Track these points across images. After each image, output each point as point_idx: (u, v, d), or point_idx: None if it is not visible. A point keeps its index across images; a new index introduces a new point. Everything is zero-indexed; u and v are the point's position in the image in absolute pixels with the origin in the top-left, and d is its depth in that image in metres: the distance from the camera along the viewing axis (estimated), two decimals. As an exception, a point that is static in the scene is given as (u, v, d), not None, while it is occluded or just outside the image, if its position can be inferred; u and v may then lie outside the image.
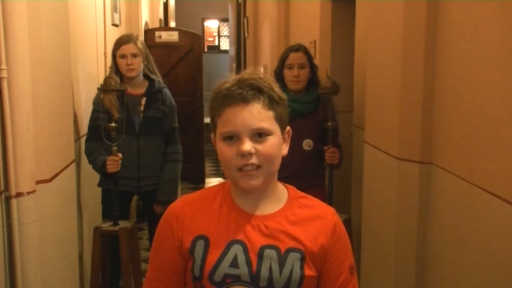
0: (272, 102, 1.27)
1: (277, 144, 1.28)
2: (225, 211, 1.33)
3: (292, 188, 1.40)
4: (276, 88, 1.31)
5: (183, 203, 1.38)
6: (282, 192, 1.37)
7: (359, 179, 3.28)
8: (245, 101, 1.25)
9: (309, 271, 1.28)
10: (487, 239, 1.95)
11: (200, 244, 1.29)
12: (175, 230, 1.33)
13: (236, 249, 1.27)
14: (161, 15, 9.29)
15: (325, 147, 3.07)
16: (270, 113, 1.27)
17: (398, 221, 2.59)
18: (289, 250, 1.28)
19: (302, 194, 1.39)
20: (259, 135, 1.26)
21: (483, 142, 1.98)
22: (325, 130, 3.07)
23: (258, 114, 1.25)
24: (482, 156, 1.99)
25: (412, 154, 2.48)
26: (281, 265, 1.26)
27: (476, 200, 2.01)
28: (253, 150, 1.25)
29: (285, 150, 1.33)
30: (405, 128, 2.51)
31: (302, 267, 1.27)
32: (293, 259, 1.27)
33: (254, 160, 1.25)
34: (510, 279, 1.80)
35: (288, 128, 1.34)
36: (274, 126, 1.28)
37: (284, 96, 1.32)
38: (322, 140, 3.12)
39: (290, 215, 1.32)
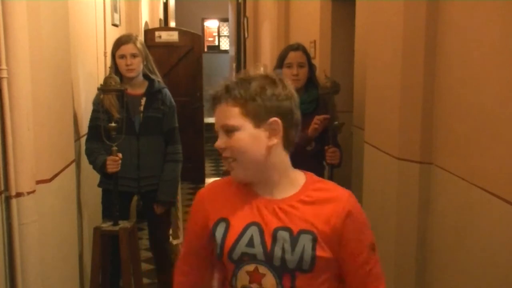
0: (237, 99, 1.36)
1: (245, 138, 1.36)
2: (243, 196, 1.44)
3: (311, 174, 1.47)
4: (256, 83, 1.37)
5: (209, 188, 1.56)
6: (299, 178, 1.45)
7: (359, 179, 3.28)
8: (218, 100, 1.40)
9: (322, 252, 1.36)
10: (487, 239, 1.95)
11: (222, 225, 1.43)
12: (201, 212, 1.49)
13: (253, 230, 1.39)
14: (161, 15, 9.29)
15: (326, 147, 3.06)
16: (236, 110, 1.36)
17: (398, 221, 2.59)
18: (301, 231, 1.36)
19: (320, 179, 1.47)
20: (227, 131, 1.38)
21: (483, 142, 1.98)
22: (332, 129, 3.05)
23: (224, 112, 1.38)
24: (482, 156, 1.99)
25: (412, 154, 2.48)
26: (293, 245, 1.35)
27: (476, 200, 2.01)
28: (222, 146, 1.39)
29: (273, 140, 1.38)
30: (405, 128, 2.51)
31: (314, 248, 1.35)
32: (305, 240, 1.35)
33: (227, 153, 1.39)
34: (510, 279, 1.80)
35: (272, 119, 1.37)
36: (240, 121, 1.36)
37: (264, 89, 1.36)
38: (322, 140, 3.12)
39: (304, 197, 1.40)
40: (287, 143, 1.42)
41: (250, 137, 1.37)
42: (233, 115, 1.36)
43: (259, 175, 1.41)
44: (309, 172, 1.48)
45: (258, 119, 1.36)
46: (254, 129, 1.37)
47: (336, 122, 3.02)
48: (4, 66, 2.14)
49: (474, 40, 2.05)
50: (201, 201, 1.52)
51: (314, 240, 1.35)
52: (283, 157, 1.42)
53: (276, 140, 1.38)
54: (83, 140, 3.33)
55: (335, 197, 1.40)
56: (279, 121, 1.37)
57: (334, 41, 4.31)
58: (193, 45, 7.05)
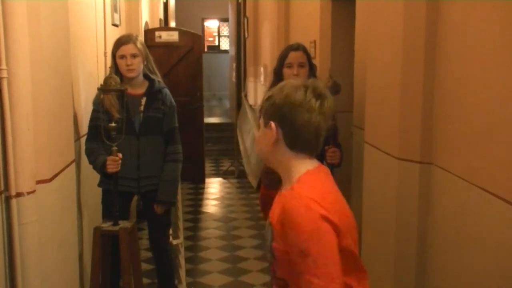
0: (262, 104, 1.63)
1: (260, 135, 1.65)
2: None
3: (308, 172, 1.58)
4: (276, 89, 1.61)
5: None
6: (296, 176, 1.59)
7: (359, 179, 3.28)
8: None
9: (276, 244, 1.54)
10: (487, 239, 1.95)
11: None
12: None
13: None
14: (161, 15, 9.29)
15: (326, 147, 3.07)
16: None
17: (398, 221, 2.59)
18: (270, 224, 1.59)
19: (304, 178, 1.57)
20: None
21: (483, 142, 1.98)
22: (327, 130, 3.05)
23: None
24: (482, 156, 1.99)
25: (412, 154, 2.48)
26: (266, 234, 1.62)
27: (476, 200, 2.01)
28: None
29: (272, 140, 1.59)
30: (405, 128, 2.51)
31: (272, 239, 1.56)
32: (269, 232, 1.58)
33: None
34: (510, 278, 1.80)
35: (270, 123, 1.58)
36: (261, 122, 1.65)
37: (270, 97, 1.60)
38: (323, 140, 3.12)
39: (282, 195, 1.60)
40: (290, 143, 1.58)
41: (262, 134, 1.64)
42: (260, 116, 1.66)
43: (272, 166, 1.67)
44: (312, 170, 1.59)
45: (265, 121, 1.62)
46: (264, 128, 1.62)
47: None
48: (4, 66, 2.14)
49: (474, 40, 2.05)
50: None
51: (272, 233, 1.56)
52: (286, 155, 1.60)
53: (273, 140, 1.58)
54: (83, 140, 3.32)
55: (284, 198, 1.56)
56: (273, 124, 1.58)
57: (334, 41, 4.31)
58: (193, 45, 7.05)
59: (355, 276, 1.59)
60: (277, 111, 1.57)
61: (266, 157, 1.67)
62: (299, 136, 1.56)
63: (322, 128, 1.57)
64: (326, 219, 1.46)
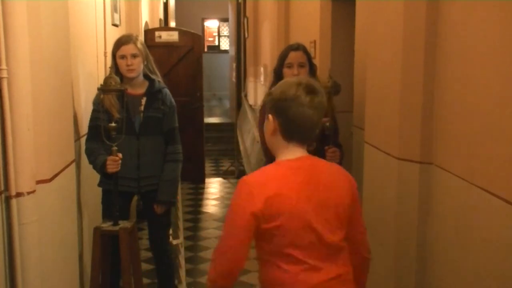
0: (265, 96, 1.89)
1: (265, 125, 1.84)
2: None
3: (275, 162, 1.81)
4: (276, 86, 1.81)
5: None
6: None
7: (359, 179, 3.28)
8: None
9: None
10: (487, 239, 1.95)
11: None
12: None
13: None
14: (161, 15, 9.29)
15: (326, 147, 3.06)
16: None
17: (398, 221, 2.59)
18: None
19: (265, 167, 1.83)
20: None
21: (483, 142, 1.98)
22: (324, 130, 3.04)
23: None
24: (482, 156, 1.99)
25: (412, 154, 2.48)
26: None
27: (476, 200, 2.01)
28: None
29: (270, 130, 1.81)
30: (405, 128, 2.51)
31: None
32: None
33: None
34: (510, 278, 1.80)
35: (268, 115, 1.80)
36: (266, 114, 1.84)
37: (271, 92, 1.81)
38: (323, 140, 3.11)
39: None
40: (285, 134, 1.77)
41: (266, 125, 1.83)
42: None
43: (274, 155, 1.84)
44: (280, 161, 1.79)
45: (267, 114, 1.81)
46: (267, 120, 1.82)
47: (327, 123, 2.99)
48: (4, 66, 2.14)
49: (474, 40, 2.05)
50: None
51: None
52: (280, 145, 1.80)
53: (271, 131, 1.80)
54: (83, 140, 3.33)
55: None
56: (271, 117, 1.79)
57: (334, 41, 4.31)
58: (193, 45, 7.05)
59: (284, 257, 1.73)
60: (274, 105, 1.78)
61: (269, 147, 1.87)
62: (292, 127, 1.76)
63: (314, 121, 1.75)
64: (247, 205, 1.68)
